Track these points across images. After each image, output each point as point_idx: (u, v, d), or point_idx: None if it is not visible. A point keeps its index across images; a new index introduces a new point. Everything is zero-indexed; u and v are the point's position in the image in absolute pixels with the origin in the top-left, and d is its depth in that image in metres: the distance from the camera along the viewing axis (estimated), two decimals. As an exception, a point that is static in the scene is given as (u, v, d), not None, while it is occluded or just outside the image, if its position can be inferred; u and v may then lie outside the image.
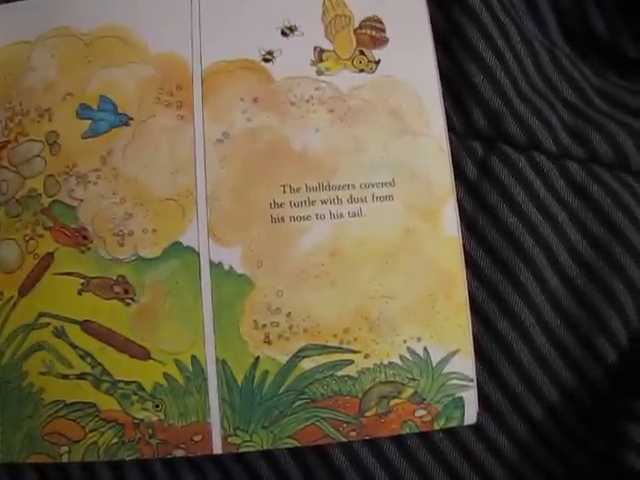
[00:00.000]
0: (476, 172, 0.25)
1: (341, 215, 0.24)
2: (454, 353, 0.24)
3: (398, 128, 0.25)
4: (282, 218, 0.23)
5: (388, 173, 0.24)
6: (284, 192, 0.24)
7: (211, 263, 0.23)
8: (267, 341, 0.23)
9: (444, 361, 0.23)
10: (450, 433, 0.24)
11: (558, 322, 0.25)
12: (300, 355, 0.23)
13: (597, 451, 0.24)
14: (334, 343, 0.23)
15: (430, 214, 0.24)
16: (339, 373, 0.23)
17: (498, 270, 0.25)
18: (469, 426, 0.24)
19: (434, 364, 0.23)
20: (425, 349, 0.23)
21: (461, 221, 0.24)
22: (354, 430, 0.23)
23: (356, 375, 0.23)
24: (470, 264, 0.24)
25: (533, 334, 0.24)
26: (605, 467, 0.23)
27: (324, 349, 0.23)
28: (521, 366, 0.24)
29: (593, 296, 0.25)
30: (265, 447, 0.23)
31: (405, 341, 0.23)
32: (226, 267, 0.23)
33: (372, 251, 0.23)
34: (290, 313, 0.23)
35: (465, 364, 0.24)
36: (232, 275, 0.23)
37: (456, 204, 0.24)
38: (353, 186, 0.24)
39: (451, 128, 0.25)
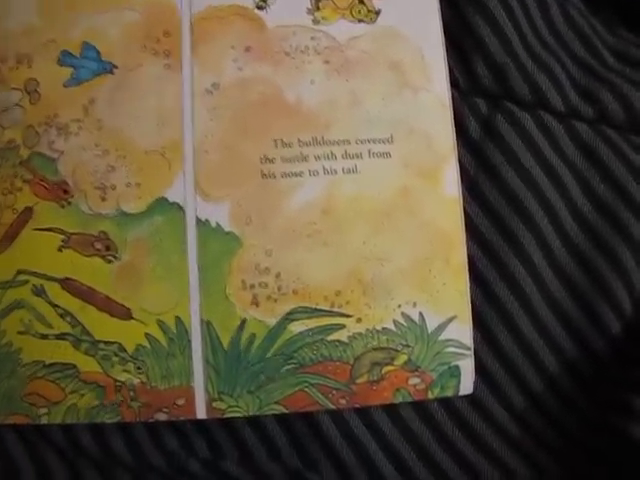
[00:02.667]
0: (479, 130, 0.24)
1: (335, 172, 0.22)
2: (451, 320, 0.22)
3: (398, 82, 0.23)
4: (273, 174, 0.22)
5: (386, 129, 0.23)
6: (276, 146, 0.22)
7: (197, 220, 0.22)
8: (255, 302, 0.22)
9: (440, 328, 0.22)
10: (445, 403, 0.23)
11: (560, 289, 0.23)
12: (289, 318, 0.22)
13: (599, 423, 0.23)
14: (325, 306, 0.22)
15: (429, 173, 0.23)
16: (329, 338, 0.22)
17: (499, 234, 0.23)
18: (465, 396, 0.23)
19: (430, 330, 0.22)
20: (420, 314, 0.22)
21: (462, 181, 0.23)
22: (344, 397, 0.22)
23: (347, 340, 0.22)
24: (470, 227, 0.23)
25: (534, 301, 0.23)
26: (607, 439, 0.22)
27: (314, 312, 0.22)
28: (520, 334, 0.23)
29: (598, 263, 0.24)
30: (251, 413, 0.22)
31: (400, 306, 0.22)
32: (213, 224, 0.22)
33: (367, 210, 0.22)
34: (279, 274, 0.22)
35: (462, 331, 0.22)
36: (219, 233, 0.22)
37: (457, 163, 0.23)
38: (348, 142, 0.23)
39: (454, 84, 0.24)
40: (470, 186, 0.24)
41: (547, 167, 0.24)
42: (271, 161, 0.22)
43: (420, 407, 0.23)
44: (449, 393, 0.22)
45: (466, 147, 0.24)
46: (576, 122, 0.24)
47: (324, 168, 0.22)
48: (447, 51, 0.24)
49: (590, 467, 0.23)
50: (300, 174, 0.22)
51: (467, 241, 0.23)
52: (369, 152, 0.23)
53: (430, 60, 0.23)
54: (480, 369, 0.23)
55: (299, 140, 0.22)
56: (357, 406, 0.22)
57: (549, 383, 0.23)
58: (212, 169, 0.22)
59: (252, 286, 0.22)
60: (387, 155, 0.23)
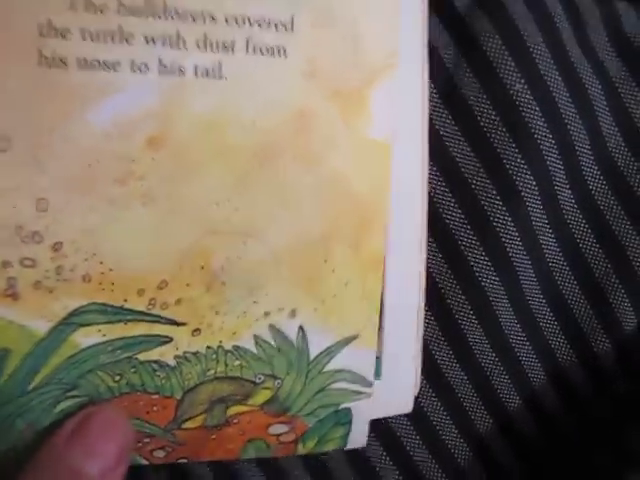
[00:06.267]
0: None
1: (181, 71, 0.12)
2: (349, 340, 0.14)
3: None
4: (62, 59, 0.12)
5: (285, 5, 0.13)
6: (72, 8, 0.12)
7: None
8: (11, 293, 0.12)
9: (330, 352, 0.14)
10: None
11: (564, 267, 0.16)
12: (73, 322, 0.13)
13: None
14: (139, 305, 0.13)
15: (349, 95, 0.13)
16: (144, 356, 0.13)
17: (477, 170, 0.15)
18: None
19: (312, 355, 0.14)
20: (301, 330, 0.14)
21: (436, 81, 0.14)
22: (163, 448, 0.14)
23: (174, 362, 0.13)
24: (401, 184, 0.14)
25: (524, 282, 0.15)
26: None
27: (120, 314, 0.13)
28: (498, 334, 0.15)
29: (622, 230, 0.16)
30: None
31: (267, 314, 0.13)
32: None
33: (230, 145, 0.13)
34: (60, 245, 0.12)
35: (363, 358, 0.14)
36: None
37: (394, 82, 0.14)
38: (212, 16, 0.12)
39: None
40: (447, 92, 0.14)
41: (568, 72, 0.15)
42: (61, 34, 0.12)
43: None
44: (330, 447, 0.15)
45: (447, 24, 0.14)
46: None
47: (161, 61, 0.12)
48: None
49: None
50: (114, 66, 0.12)
51: (396, 206, 0.14)
52: (247, 41, 0.13)
53: None
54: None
55: (120, 1, 0.12)
56: (183, 461, 0.14)
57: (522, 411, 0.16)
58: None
59: (7, 264, 0.12)
60: (279, 52, 0.13)
